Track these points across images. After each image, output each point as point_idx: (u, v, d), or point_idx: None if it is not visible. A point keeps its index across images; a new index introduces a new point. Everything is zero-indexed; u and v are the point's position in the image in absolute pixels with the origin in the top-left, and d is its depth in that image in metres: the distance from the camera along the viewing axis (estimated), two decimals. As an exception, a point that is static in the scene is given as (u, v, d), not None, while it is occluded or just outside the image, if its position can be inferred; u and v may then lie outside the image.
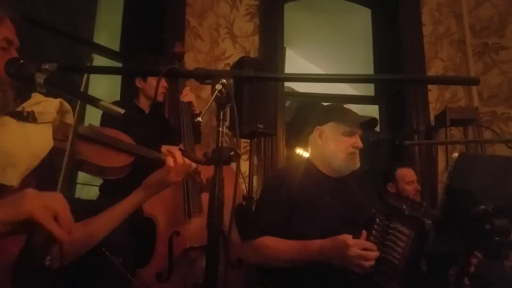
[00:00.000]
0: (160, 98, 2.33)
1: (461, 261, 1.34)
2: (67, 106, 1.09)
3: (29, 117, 0.99)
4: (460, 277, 1.34)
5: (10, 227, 0.76)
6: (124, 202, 1.20)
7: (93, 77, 2.79)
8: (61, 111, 1.07)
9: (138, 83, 2.26)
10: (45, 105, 1.04)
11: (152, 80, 2.25)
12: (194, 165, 1.28)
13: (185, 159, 1.25)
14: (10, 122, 0.97)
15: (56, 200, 0.79)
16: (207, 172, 1.99)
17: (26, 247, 0.85)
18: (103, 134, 1.21)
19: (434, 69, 3.44)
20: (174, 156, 1.23)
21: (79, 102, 0.96)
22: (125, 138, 1.30)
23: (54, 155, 1.00)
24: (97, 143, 1.15)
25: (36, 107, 1.02)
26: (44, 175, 1.03)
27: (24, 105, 1.01)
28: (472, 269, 1.37)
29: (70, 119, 1.10)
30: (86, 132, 1.14)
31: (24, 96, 1.03)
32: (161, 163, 1.24)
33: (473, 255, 1.34)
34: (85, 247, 1.12)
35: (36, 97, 1.05)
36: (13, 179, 0.91)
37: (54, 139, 1.01)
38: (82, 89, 0.93)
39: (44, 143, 0.99)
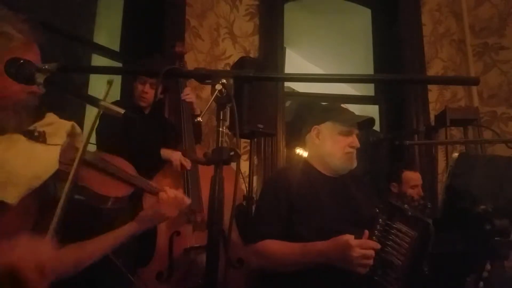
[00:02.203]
0: (143, 103, 2.23)
1: (478, 269, 1.34)
2: (78, 129, 1.10)
3: (40, 137, 1.01)
4: (478, 282, 1.34)
5: None
6: (118, 231, 1.23)
7: (93, 77, 2.79)
8: (71, 134, 1.08)
9: (136, 86, 2.25)
10: (58, 127, 1.05)
11: (138, 84, 2.19)
12: (187, 201, 1.33)
13: (176, 193, 1.29)
14: (20, 141, 0.98)
15: (43, 252, 0.84)
16: (207, 172, 2.00)
17: None
18: (107, 162, 1.22)
19: (434, 69, 3.44)
20: (167, 192, 1.28)
21: (89, 132, 0.95)
22: (128, 168, 1.32)
23: (57, 178, 1.01)
24: (101, 171, 1.17)
25: (48, 128, 1.03)
26: (46, 197, 1.04)
27: (36, 124, 1.02)
28: (486, 274, 1.37)
29: (79, 142, 1.10)
30: (92, 159, 1.15)
31: (38, 116, 1.04)
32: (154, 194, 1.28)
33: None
34: (75, 269, 1.14)
35: (49, 117, 1.06)
36: (12, 197, 0.92)
37: (60, 162, 1.02)
38: (103, 97, 0.90)
39: (49, 165, 1.00)
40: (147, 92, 2.18)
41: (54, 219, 0.90)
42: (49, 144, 1.01)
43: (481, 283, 1.34)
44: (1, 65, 0.87)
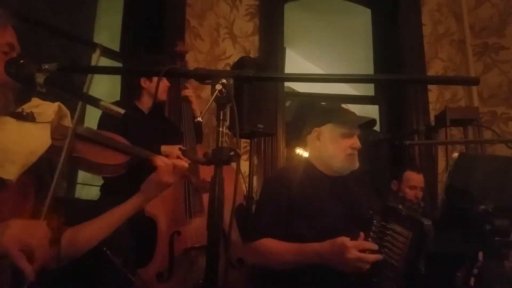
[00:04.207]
0: (163, 97, 2.32)
1: (468, 263, 1.34)
2: (65, 109, 1.12)
3: (28, 117, 1.02)
4: (468, 278, 1.34)
5: None
6: (123, 205, 1.22)
7: (93, 77, 2.78)
8: (59, 114, 1.10)
9: (143, 83, 2.25)
10: (44, 108, 1.07)
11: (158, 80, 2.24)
12: (185, 164, 1.28)
13: (173, 160, 1.26)
14: (10, 121, 1.00)
15: (35, 235, 0.85)
16: (207, 172, 2.00)
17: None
18: (100, 134, 1.23)
19: (434, 69, 3.44)
20: (169, 161, 1.25)
21: (80, 102, 0.98)
22: (122, 140, 1.32)
23: (52, 153, 1.03)
24: (94, 143, 1.18)
25: (35, 109, 1.05)
26: (43, 174, 1.06)
27: (23, 106, 1.04)
28: (475, 271, 1.37)
29: (68, 122, 1.12)
30: (84, 132, 1.17)
31: (23, 99, 1.06)
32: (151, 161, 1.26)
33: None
34: (84, 248, 1.15)
35: (35, 100, 1.08)
36: (11, 173, 0.93)
37: (52, 138, 1.03)
38: (85, 89, 0.94)
39: (42, 140, 1.01)
40: (168, 85, 2.28)
41: (48, 197, 0.93)
42: (38, 122, 1.03)
43: (472, 279, 1.35)
44: None
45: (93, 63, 1.02)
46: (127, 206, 1.22)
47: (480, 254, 1.40)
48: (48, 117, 1.05)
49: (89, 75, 1.03)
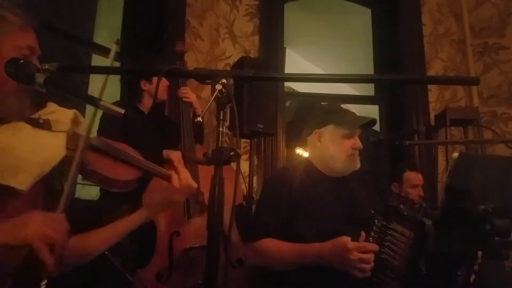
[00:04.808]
0: (163, 96, 2.32)
1: (468, 261, 1.34)
2: (80, 117, 1.10)
3: (45, 125, 1.01)
4: (469, 277, 1.34)
5: (7, 249, 0.83)
6: (127, 219, 1.21)
7: (93, 77, 2.79)
8: (74, 122, 1.08)
9: (143, 85, 2.26)
10: (60, 114, 1.05)
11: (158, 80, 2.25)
12: (194, 185, 1.28)
13: (186, 176, 1.25)
14: (25, 128, 0.98)
15: (56, 228, 0.85)
16: (207, 172, 2.00)
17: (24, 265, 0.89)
18: (113, 146, 1.20)
19: (434, 69, 3.44)
20: (180, 176, 1.23)
21: (92, 113, 0.95)
22: (135, 153, 1.30)
23: (64, 163, 1.01)
24: (107, 155, 1.15)
25: (51, 115, 1.03)
26: (52, 182, 1.04)
27: (40, 112, 1.03)
28: (476, 268, 1.37)
29: (81, 130, 1.10)
30: (97, 143, 1.14)
31: (39, 103, 1.04)
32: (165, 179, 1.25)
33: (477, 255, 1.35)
34: (84, 258, 1.14)
35: (51, 106, 1.07)
36: (24, 183, 0.92)
37: (67, 148, 1.02)
38: (100, 92, 0.91)
39: (57, 151, 1.00)
40: (168, 84, 2.28)
41: (62, 198, 0.91)
42: (54, 131, 1.01)
43: (472, 277, 1.35)
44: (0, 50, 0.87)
45: (109, 60, 0.98)
46: (131, 221, 1.22)
47: (479, 253, 1.40)
48: (64, 126, 1.04)
49: (105, 76, 1.00)
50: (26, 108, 1.00)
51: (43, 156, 0.97)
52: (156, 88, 2.18)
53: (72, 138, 1.05)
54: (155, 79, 2.23)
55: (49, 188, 1.05)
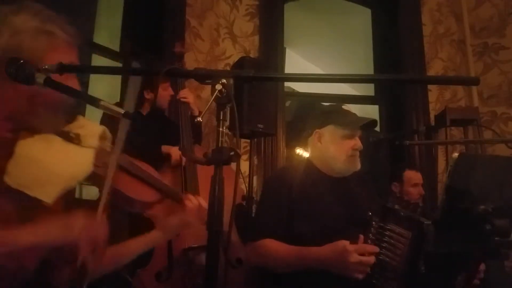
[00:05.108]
0: (165, 105, 2.36)
1: (471, 268, 1.34)
2: (109, 134, 1.10)
3: (75, 139, 1.01)
4: (469, 283, 1.34)
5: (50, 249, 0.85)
6: (140, 240, 1.20)
7: (93, 77, 2.79)
8: (102, 138, 1.08)
9: (146, 94, 2.29)
10: (89, 129, 1.06)
11: (162, 91, 2.28)
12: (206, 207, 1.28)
13: (200, 200, 1.25)
14: (57, 141, 0.98)
15: (100, 233, 0.88)
16: (207, 172, 2.00)
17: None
18: (137, 166, 1.19)
19: (434, 69, 3.44)
20: (197, 202, 1.24)
21: (123, 132, 0.94)
22: (155, 174, 1.29)
23: (89, 179, 1.02)
24: (130, 174, 1.15)
25: (81, 130, 1.04)
26: (69, 199, 1.04)
27: (70, 126, 1.03)
28: (482, 275, 1.37)
29: (108, 146, 1.10)
30: (123, 163, 1.13)
31: (69, 117, 1.04)
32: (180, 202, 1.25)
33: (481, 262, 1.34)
34: (104, 271, 1.13)
35: (81, 120, 1.07)
36: (50, 196, 0.92)
37: (94, 165, 1.02)
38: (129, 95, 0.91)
39: (85, 167, 1.00)
40: (172, 94, 2.31)
41: (101, 201, 0.92)
42: (83, 146, 1.02)
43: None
44: (47, 63, 0.87)
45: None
46: (145, 241, 1.21)
47: (482, 266, 1.40)
48: (93, 142, 1.04)
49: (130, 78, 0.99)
50: (59, 121, 1.00)
51: (71, 171, 0.97)
52: (156, 88, 2.19)
53: (100, 155, 1.05)
54: (160, 89, 2.26)
55: (68, 201, 1.04)
